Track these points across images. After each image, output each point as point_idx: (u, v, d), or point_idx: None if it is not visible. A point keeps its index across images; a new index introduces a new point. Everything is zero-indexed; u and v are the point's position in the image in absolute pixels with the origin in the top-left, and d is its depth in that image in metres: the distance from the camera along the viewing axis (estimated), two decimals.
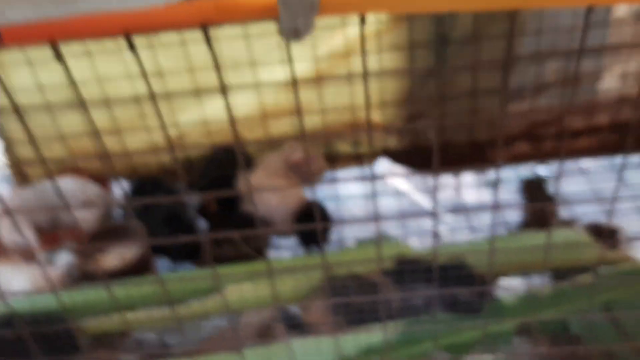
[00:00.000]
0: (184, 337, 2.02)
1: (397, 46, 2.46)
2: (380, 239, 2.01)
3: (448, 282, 1.65)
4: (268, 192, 2.38)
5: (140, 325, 1.96)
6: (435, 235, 1.26)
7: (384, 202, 2.73)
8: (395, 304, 1.84)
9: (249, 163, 2.54)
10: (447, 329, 1.77)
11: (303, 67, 2.51)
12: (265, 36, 2.34)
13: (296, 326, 1.93)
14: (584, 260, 1.96)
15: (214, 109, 2.58)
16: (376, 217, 1.15)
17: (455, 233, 2.47)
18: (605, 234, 2.03)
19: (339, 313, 1.84)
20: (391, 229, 2.48)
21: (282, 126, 2.67)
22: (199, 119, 2.58)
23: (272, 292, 2.02)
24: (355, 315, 1.80)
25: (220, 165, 2.53)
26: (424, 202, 2.72)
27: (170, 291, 2.04)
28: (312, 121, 2.67)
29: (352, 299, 1.77)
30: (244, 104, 2.59)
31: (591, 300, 1.79)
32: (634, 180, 2.54)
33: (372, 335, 1.76)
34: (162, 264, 2.29)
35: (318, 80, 2.52)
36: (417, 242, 2.37)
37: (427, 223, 2.52)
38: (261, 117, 2.61)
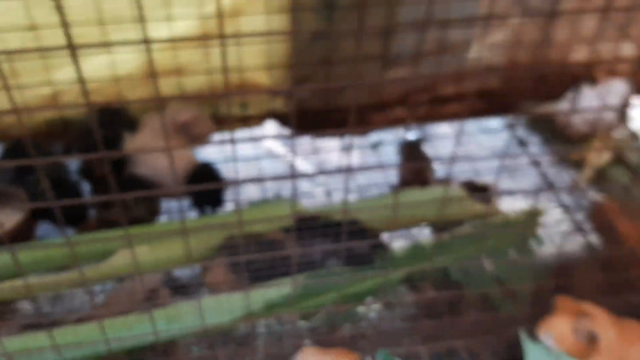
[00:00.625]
0: (73, 302, 1.94)
1: (285, 8, 2.48)
2: (278, 198, 2.07)
3: (343, 236, 1.74)
4: (155, 154, 2.31)
5: (28, 292, 1.85)
6: (329, 194, 1.35)
7: (275, 165, 2.77)
8: (296, 260, 1.92)
9: (133, 124, 2.45)
10: (344, 281, 1.89)
11: (188, 26, 2.45)
12: None
13: (193, 286, 1.94)
14: (460, 214, 2.17)
15: (93, 66, 2.44)
16: (274, 178, 1.19)
17: (342, 193, 2.59)
18: (477, 190, 2.25)
19: (239, 272, 1.88)
20: (284, 190, 2.54)
21: (166, 86, 2.59)
22: (76, 77, 2.42)
23: (167, 254, 2.01)
24: (256, 273, 1.86)
25: (102, 125, 2.40)
26: (305, 165, 2.79)
27: (59, 257, 1.94)
28: (198, 81, 2.62)
29: (252, 256, 1.82)
30: (126, 61, 2.47)
31: (468, 250, 2.00)
32: (499, 142, 2.84)
33: (275, 290, 1.82)
34: (45, 230, 2.16)
35: (204, 39, 2.48)
36: (307, 203, 2.46)
37: (306, 185, 2.62)
38: (145, 76, 2.51)
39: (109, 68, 2.44)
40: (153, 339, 1.67)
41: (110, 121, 2.42)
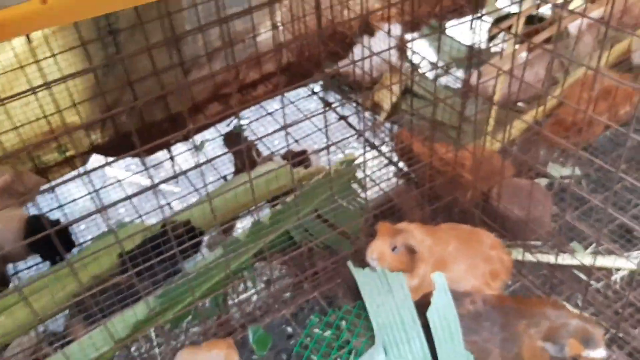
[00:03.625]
0: None
1: (69, 45, 2.53)
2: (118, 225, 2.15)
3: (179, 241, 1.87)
4: None
5: None
6: (163, 206, 1.50)
7: (111, 195, 2.83)
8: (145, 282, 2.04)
9: None
10: (197, 280, 2.04)
11: None
12: None
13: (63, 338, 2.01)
14: (289, 182, 2.40)
15: None
16: (105, 207, 1.32)
17: (185, 200, 2.72)
18: (297, 157, 2.48)
19: (96, 320, 1.95)
20: (126, 216, 2.63)
21: None
22: None
23: (30, 314, 2.04)
24: (109, 310, 1.94)
25: None
26: (145, 181, 2.89)
27: None
28: (7, 140, 2.61)
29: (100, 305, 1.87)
30: None
31: (303, 211, 2.23)
32: (309, 107, 3.10)
33: (134, 313, 1.94)
34: None
35: None
36: (155, 220, 2.56)
37: (154, 201, 2.72)
38: None
39: None
40: None
41: None
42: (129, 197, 1.49)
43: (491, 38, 2.91)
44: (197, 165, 1.51)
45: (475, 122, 2.10)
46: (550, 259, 2.12)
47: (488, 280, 1.98)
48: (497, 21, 3.04)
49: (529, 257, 2.16)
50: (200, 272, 2.03)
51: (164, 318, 1.99)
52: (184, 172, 1.57)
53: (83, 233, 2.56)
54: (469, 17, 1.94)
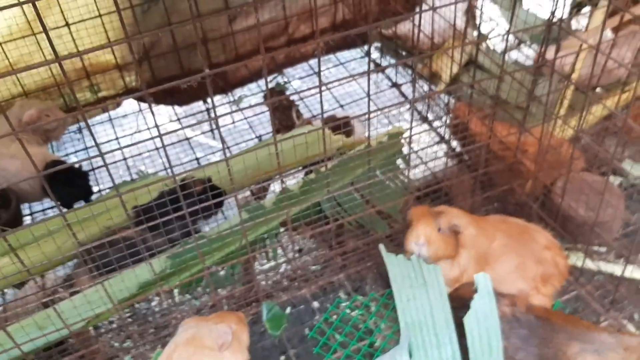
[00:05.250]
0: None
1: None
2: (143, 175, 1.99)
3: (201, 199, 1.69)
4: (5, 159, 2.18)
5: None
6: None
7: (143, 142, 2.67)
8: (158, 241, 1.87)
9: None
10: (212, 245, 1.86)
11: (9, 23, 2.30)
12: None
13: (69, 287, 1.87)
14: (327, 150, 2.16)
15: None
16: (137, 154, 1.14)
17: (216, 155, 2.53)
18: (340, 123, 2.24)
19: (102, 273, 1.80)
20: (152, 167, 2.46)
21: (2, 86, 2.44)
22: None
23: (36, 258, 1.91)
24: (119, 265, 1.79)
25: None
26: (183, 132, 2.72)
27: None
28: (37, 73, 2.47)
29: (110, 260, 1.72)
30: None
31: (337, 183, 2.01)
32: (355, 70, 2.85)
33: (146, 271, 1.78)
34: None
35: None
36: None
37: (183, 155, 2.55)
38: None
39: None
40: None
41: None
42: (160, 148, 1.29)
43: (576, 7, 2.56)
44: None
45: (546, 103, 1.81)
46: (615, 269, 1.84)
47: (538, 285, 1.73)
48: None
49: (589, 264, 1.88)
50: (217, 237, 1.84)
51: (172, 282, 1.82)
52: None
53: (103, 180, 2.41)
54: None
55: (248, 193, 2.27)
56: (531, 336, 1.47)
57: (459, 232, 1.67)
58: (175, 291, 1.95)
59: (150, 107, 1.32)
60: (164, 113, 2.74)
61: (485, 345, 1.42)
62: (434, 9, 1.67)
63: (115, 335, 1.86)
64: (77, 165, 2.22)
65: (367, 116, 1.62)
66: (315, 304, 1.87)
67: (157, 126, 1.32)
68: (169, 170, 2.27)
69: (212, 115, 1.38)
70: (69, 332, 1.61)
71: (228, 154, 1.49)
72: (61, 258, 1.86)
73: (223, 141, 1.53)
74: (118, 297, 1.71)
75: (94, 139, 1.23)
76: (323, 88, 1.44)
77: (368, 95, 1.50)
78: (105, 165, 1.31)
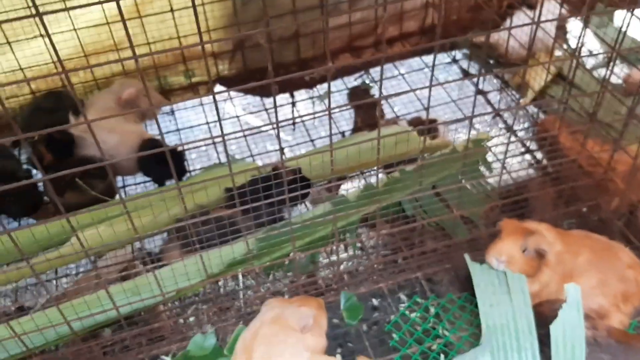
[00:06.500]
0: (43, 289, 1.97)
1: None
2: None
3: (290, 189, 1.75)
4: (104, 133, 2.31)
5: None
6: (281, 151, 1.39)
7: (227, 129, 2.77)
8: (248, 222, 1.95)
9: (77, 107, 2.43)
10: (299, 232, 1.92)
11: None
12: None
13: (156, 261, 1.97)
14: (410, 151, 2.21)
15: (29, 55, 2.42)
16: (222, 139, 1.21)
17: (296, 149, 2.61)
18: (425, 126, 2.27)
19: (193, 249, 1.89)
20: (237, 153, 2.56)
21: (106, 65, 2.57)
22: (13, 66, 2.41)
23: (129, 230, 2.02)
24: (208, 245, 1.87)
25: (46, 112, 2.39)
26: (261, 123, 2.81)
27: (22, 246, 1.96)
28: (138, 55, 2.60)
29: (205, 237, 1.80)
30: (62, 47, 2.44)
31: (420, 184, 2.04)
32: (447, 77, 2.86)
33: (232, 251, 1.86)
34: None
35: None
36: (261, 163, 2.48)
37: (268, 143, 2.64)
38: (83, 58, 2.49)
39: (46, 52, 2.42)
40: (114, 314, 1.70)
41: (53, 107, 2.41)
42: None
43: None
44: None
45: None
46: None
47: (618, 302, 1.72)
48: None
49: None
50: (304, 225, 1.91)
51: (259, 262, 1.90)
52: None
53: (194, 162, 2.52)
54: None
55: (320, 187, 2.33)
56: None
57: (544, 255, 1.68)
58: (259, 273, 2.03)
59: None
60: (252, 103, 2.83)
61: (569, 355, 1.43)
62: (537, 23, 1.68)
63: (201, 310, 1.95)
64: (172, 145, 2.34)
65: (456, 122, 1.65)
66: (391, 300, 1.92)
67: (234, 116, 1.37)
68: (254, 157, 2.39)
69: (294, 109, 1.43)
70: (163, 298, 1.71)
71: (310, 148, 1.56)
72: (156, 231, 1.97)
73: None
74: (209, 271, 1.80)
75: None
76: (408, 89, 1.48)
77: (454, 98, 1.53)
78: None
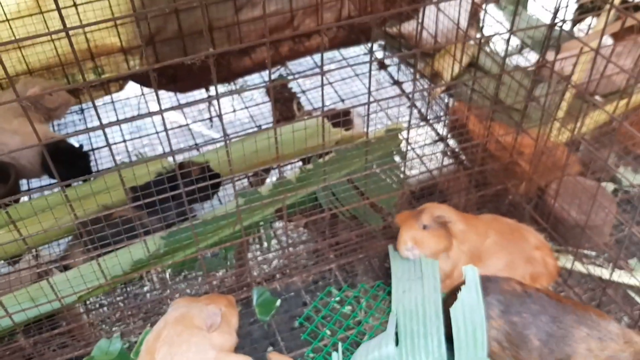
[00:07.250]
0: None
1: None
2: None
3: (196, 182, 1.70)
4: (7, 135, 2.19)
5: None
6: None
7: (142, 127, 2.68)
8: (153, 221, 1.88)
9: None
10: (206, 227, 1.87)
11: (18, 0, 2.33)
12: None
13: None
14: (326, 142, 2.18)
15: None
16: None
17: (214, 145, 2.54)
18: (340, 118, 2.26)
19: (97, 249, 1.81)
20: (151, 151, 2.47)
21: (8, 63, 2.45)
22: None
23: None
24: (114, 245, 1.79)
25: None
26: (179, 118, 2.73)
27: None
28: (43, 52, 2.49)
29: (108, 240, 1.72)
30: None
31: (334, 175, 2.02)
32: (364, 69, 2.86)
33: (135, 250, 1.79)
34: None
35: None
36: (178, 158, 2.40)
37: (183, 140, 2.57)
38: None
39: None
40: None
41: None
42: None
43: (579, 10, 2.58)
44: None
45: (544, 104, 1.83)
46: (603, 273, 1.86)
47: (527, 283, 1.74)
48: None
49: (579, 267, 1.90)
50: (212, 220, 1.86)
51: (165, 261, 1.84)
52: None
53: (103, 161, 2.43)
54: None
55: (246, 182, 2.29)
56: (542, 312, 1.46)
57: (447, 221, 1.68)
58: (168, 273, 1.97)
59: (155, 91, 1.33)
60: (165, 99, 2.75)
61: (470, 335, 1.43)
62: (437, 2, 1.68)
63: (106, 314, 1.87)
64: (77, 145, 2.24)
65: (366, 110, 1.64)
66: (305, 293, 1.89)
67: (161, 111, 1.32)
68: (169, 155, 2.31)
69: (213, 102, 1.39)
70: (61, 305, 1.62)
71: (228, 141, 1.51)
72: (57, 230, 1.87)
73: (223, 127, 1.54)
74: (111, 273, 1.72)
75: (99, 116, 1.24)
76: (325, 82, 1.46)
77: (369, 86, 1.52)
78: (108, 145, 1.32)
